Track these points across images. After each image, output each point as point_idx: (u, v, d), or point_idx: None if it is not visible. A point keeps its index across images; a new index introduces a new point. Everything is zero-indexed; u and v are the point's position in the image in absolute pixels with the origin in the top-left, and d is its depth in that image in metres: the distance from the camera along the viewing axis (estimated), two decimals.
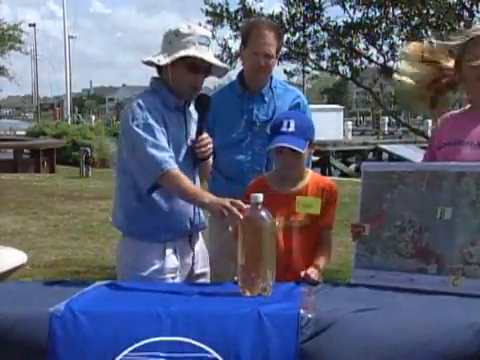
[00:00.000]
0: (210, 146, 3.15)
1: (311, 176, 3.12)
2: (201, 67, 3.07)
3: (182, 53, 3.01)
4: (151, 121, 2.99)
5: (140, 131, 2.97)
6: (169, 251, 3.09)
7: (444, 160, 2.90)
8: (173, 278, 3.10)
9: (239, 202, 2.71)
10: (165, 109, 3.08)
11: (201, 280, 3.24)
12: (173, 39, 3.06)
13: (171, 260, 3.10)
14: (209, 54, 3.07)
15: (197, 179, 3.21)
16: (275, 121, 3.14)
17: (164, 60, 3.03)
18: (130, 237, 3.13)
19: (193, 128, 3.19)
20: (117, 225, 3.19)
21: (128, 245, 3.13)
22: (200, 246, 3.26)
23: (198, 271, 3.21)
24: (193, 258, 3.17)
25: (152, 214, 3.06)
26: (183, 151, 3.12)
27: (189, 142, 3.14)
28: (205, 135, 3.14)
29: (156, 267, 3.06)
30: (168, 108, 3.10)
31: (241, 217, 2.64)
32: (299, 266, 2.96)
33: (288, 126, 2.98)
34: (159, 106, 3.06)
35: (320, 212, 3.03)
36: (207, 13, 8.22)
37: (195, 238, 3.20)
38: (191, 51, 3.01)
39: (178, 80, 3.07)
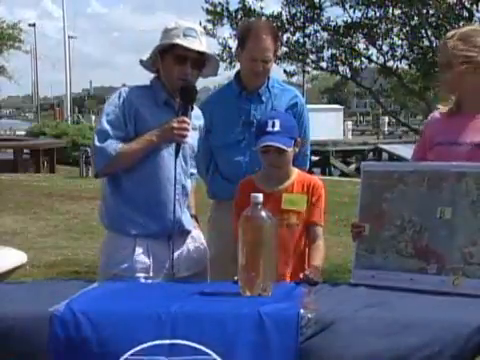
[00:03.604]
0: (186, 132, 3.09)
1: (296, 175, 3.16)
2: (188, 58, 3.08)
3: (162, 43, 3.08)
4: (118, 111, 3.07)
5: (103, 118, 3.07)
6: (139, 250, 3.08)
7: (436, 160, 2.90)
8: (145, 278, 3.07)
9: (182, 119, 3.04)
10: (152, 103, 3.13)
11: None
12: (163, 36, 3.14)
13: (141, 259, 3.08)
14: (194, 44, 3.08)
15: (186, 178, 3.19)
16: (260, 121, 3.19)
17: (146, 55, 3.13)
18: (107, 230, 3.19)
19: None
20: (99, 219, 3.24)
21: (105, 242, 3.21)
22: (185, 249, 3.20)
23: (180, 275, 3.13)
24: (172, 260, 3.10)
25: (124, 203, 3.11)
26: (170, 149, 3.10)
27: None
28: (186, 118, 3.10)
29: (125, 265, 3.06)
30: (156, 103, 3.14)
31: (188, 128, 3.04)
32: (289, 264, 3.02)
33: (273, 126, 3.03)
34: (144, 100, 3.12)
35: (307, 210, 3.08)
36: (207, 12, 8.23)
37: (176, 240, 3.13)
38: (173, 41, 3.06)
39: (167, 73, 3.12)
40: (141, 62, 3.18)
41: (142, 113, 3.08)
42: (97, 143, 3.04)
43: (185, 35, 3.07)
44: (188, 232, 3.22)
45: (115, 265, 3.08)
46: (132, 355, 2.26)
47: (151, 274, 3.08)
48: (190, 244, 3.24)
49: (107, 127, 3.04)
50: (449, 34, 3.07)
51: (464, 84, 3.02)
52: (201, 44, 3.10)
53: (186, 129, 3.07)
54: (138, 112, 3.08)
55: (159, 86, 3.16)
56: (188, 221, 3.22)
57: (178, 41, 3.06)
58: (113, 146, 3.03)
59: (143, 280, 3.06)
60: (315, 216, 3.11)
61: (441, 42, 3.06)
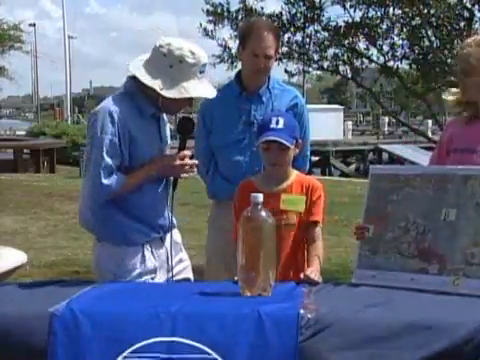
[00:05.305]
0: (190, 168, 3.13)
1: (296, 175, 3.17)
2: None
3: (189, 91, 3.01)
4: (115, 139, 2.98)
5: (103, 152, 2.97)
6: (147, 254, 3.11)
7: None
8: (152, 278, 3.10)
9: (183, 155, 3.06)
10: (139, 117, 3.07)
11: (180, 267, 3.25)
12: (176, 65, 3.02)
13: (150, 262, 3.11)
14: (208, 85, 3.10)
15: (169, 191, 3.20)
16: (264, 119, 3.20)
17: (168, 92, 3.00)
18: (105, 242, 3.11)
19: (167, 132, 3.22)
20: (88, 227, 3.15)
21: (105, 250, 3.12)
22: (173, 240, 3.21)
23: (175, 259, 3.20)
24: (167, 252, 3.17)
25: (127, 216, 3.07)
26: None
27: (168, 152, 3.18)
28: (187, 153, 3.12)
29: (137, 271, 3.07)
30: (141, 115, 3.09)
31: (191, 166, 3.06)
32: (287, 264, 3.02)
33: (277, 123, 3.05)
34: (133, 115, 3.05)
35: (307, 210, 3.09)
36: (208, 13, 8.22)
37: (168, 239, 3.20)
38: (196, 88, 3.02)
39: (170, 105, 3.08)
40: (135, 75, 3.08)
41: (133, 132, 3.04)
42: (104, 181, 2.97)
43: (201, 72, 3.05)
44: (174, 227, 3.27)
45: (127, 273, 3.06)
46: (132, 353, 2.26)
47: (160, 275, 3.13)
48: (177, 240, 3.29)
49: (110, 161, 2.98)
50: (468, 41, 3.07)
51: None
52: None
53: (187, 164, 3.10)
54: (130, 132, 3.03)
55: (143, 98, 3.08)
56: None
57: (204, 93, 3.07)
58: (115, 181, 2.98)
59: (151, 280, 3.09)
60: (315, 215, 3.11)
61: (459, 49, 3.05)
